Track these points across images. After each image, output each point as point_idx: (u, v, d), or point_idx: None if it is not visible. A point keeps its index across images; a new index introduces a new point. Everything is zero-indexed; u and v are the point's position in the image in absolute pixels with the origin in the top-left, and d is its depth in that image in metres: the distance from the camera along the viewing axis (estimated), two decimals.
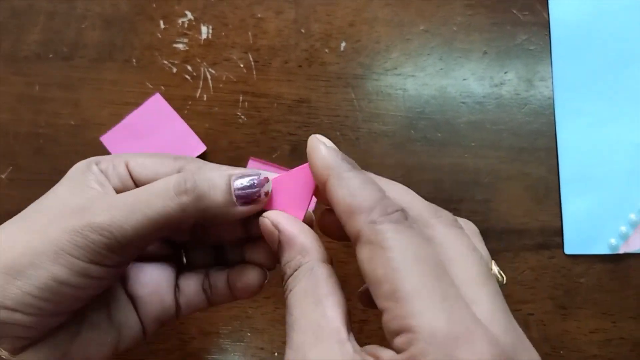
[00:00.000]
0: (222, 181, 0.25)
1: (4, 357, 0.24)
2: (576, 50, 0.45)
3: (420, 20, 0.46)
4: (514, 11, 0.46)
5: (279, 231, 0.25)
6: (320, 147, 0.24)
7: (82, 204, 0.24)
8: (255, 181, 0.26)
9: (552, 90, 0.45)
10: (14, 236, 0.24)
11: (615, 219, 0.43)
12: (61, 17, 0.45)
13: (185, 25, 0.45)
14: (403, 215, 0.22)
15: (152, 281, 0.29)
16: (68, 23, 0.45)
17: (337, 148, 0.24)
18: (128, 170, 0.27)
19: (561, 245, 0.43)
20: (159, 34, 0.45)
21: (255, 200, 0.26)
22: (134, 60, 0.45)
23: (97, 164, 0.27)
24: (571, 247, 0.42)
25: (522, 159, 0.44)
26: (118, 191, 0.27)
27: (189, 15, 0.45)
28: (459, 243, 0.23)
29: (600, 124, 0.44)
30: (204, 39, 0.45)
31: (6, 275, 0.23)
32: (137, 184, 0.27)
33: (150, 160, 0.28)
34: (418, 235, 0.21)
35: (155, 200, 0.24)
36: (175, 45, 0.45)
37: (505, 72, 0.45)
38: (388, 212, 0.22)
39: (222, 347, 0.42)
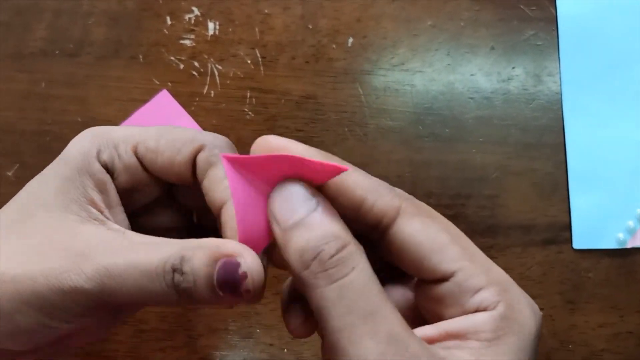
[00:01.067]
0: (205, 275, 0.21)
1: None
2: (584, 46, 0.45)
3: (427, 15, 0.46)
4: (521, 6, 0.46)
5: (318, 201, 0.21)
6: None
7: (74, 248, 0.22)
8: (234, 274, 0.21)
9: (560, 86, 0.45)
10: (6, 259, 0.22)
11: (623, 214, 0.43)
12: (67, 14, 0.45)
13: (192, 22, 0.45)
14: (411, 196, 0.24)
15: None
16: (74, 20, 0.45)
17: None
18: (137, 156, 0.24)
19: (569, 240, 0.43)
20: (165, 30, 0.45)
21: (239, 296, 0.22)
22: (141, 56, 0.44)
23: (98, 156, 0.24)
24: (579, 242, 0.43)
25: (530, 154, 0.44)
26: (126, 184, 0.24)
27: (196, 11, 0.45)
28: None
29: (608, 119, 0.44)
30: (211, 35, 0.45)
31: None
32: (148, 171, 0.25)
33: (164, 142, 0.24)
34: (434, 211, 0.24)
35: (149, 285, 0.21)
36: (182, 41, 0.45)
37: (513, 68, 0.45)
38: (404, 192, 0.23)
39: (231, 343, 0.42)
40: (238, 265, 0.21)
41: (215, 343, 0.42)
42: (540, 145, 0.44)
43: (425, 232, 0.22)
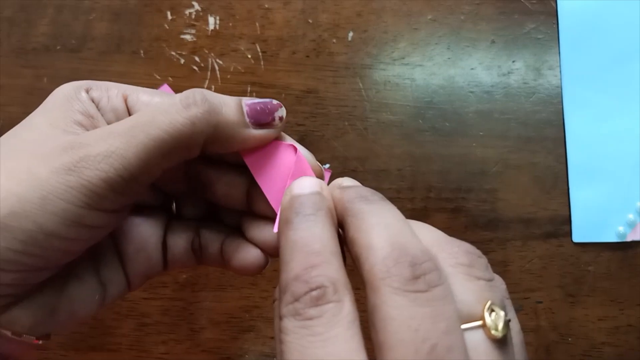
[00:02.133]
0: (233, 100, 0.23)
1: None
2: (585, 39, 0.45)
3: (427, 9, 0.46)
4: (522, 0, 0.46)
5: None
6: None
7: (75, 138, 0.20)
8: (269, 105, 0.23)
9: (560, 79, 0.45)
10: None
11: (623, 207, 0.43)
12: (69, 10, 0.45)
13: (193, 17, 0.45)
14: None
15: (140, 237, 0.26)
16: (76, 15, 0.45)
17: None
18: (126, 105, 0.23)
19: (569, 233, 0.43)
20: (166, 26, 0.45)
21: (269, 124, 0.23)
22: (142, 51, 0.45)
23: (87, 91, 0.23)
24: (579, 235, 0.43)
25: (530, 148, 0.44)
26: None
27: (196, 6, 0.45)
28: None
29: (608, 112, 0.44)
30: (212, 30, 0.45)
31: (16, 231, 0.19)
32: None
33: (157, 100, 0.24)
34: None
35: (161, 117, 0.20)
36: (182, 36, 0.45)
37: (513, 61, 0.45)
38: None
39: (232, 336, 0.42)
40: (271, 100, 0.23)
41: (217, 336, 0.42)
42: (540, 138, 0.44)
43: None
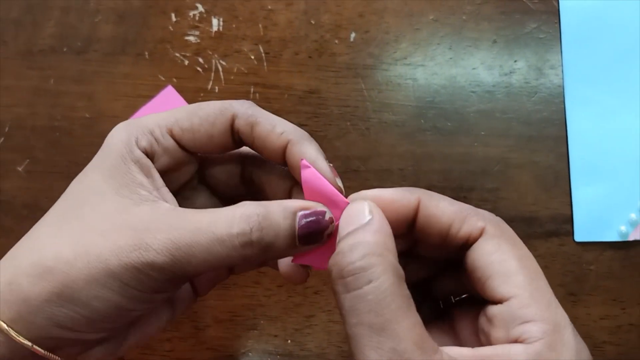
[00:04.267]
0: (286, 224, 0.23)
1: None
2: (586, 39, 0.45)
3: (429, 9, 0.46)
4: None
5: (373, 216, 0.23)
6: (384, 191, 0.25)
7: (136, 224, 0.23)
8: (322, 225, 0.24)
9: (562, 79, 0.45)
10: (69, 258, 0.22)
11: (625, 207, 0.43)
12: (75, 12, 0.46)
13: (197, 18, 0.46)
14: (499, 219, 0.25)
15: None
16: (82, 17, 0.46)
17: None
18: (174, 138, 0.25)
19: (571, 232, 0.43)
20: (170, 27, 0.46)
21: (317, 242, 0.24)
22: (147, 53, 0.45)
23: (137, 143, 0.25)
24: (581, 234, 0.43)
25: (532, 147, 0.44)
26: (167, 167, 0.25)
27: (200, 8, 0.46)
28: None
29: (610, 112, 0.44)
30: (215, 32, 0.46)
31: (71, 305, 0.22)
32: (187, 149, 0.26)
33: (198, 121, 0.25)
34: (517, 237, 0.25)
35: (218, 247, 0.22)
36: (186, 37, 0.45)
37: (515, 61, 0.45)
38: (489, 213, 0.25)
39: (236, 334, 0.42)
40: (324, 212, 0.24)
41: (220, 334, 0.42)
42: (542, 137, 0.44)
43: (498, 254, 0.23)
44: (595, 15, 0.45)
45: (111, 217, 0.23)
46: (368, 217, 0.22)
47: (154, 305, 0.24)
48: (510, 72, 0.45)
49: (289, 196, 0.28)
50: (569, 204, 0.43)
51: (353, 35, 0.46)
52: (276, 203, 0.24)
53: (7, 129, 0.44)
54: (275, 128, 0.25)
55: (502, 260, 0.23)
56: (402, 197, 0.24)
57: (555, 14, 0.46)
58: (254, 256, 0.23)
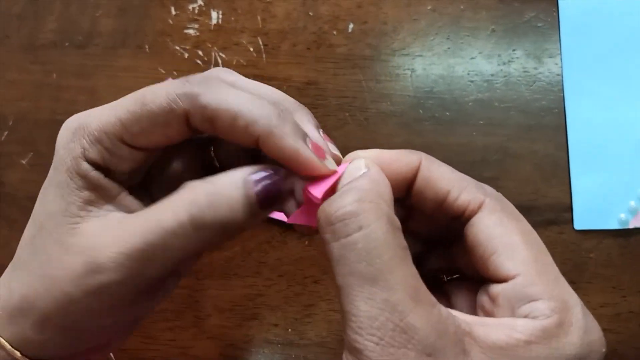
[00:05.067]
0: (240, 196, 0.21)
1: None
2: (585, 27, 0.45)
3: None
4: None
5: (369, 169, 0.22)
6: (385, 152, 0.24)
7: (87, 246, 0.22)
8: (276, 181, 0.22)
9: (561, 67, 0.45)
10: (33, 294, 0.22)
11: (625, 194, 0.43)
12: (76, 6, 0.46)
13: (196, 11, 0.46)
14: (501, 195, 0.24)
15: None
16: (83, 12, 0.46)
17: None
18: (127, 144, 0.22)
19: (570, 221, 0.43)
20: (170, 21, 0.46)
21: (280, 201, 0.22)
22: (147, 46, 0.46)
23: (85, 155, 0.22)
24: (581, 222, 0.43)
25: (531, 136, 0.44)
26: (126, 169, 0.23)
27: (199, 1, 0.46)
28: None
29: (609, 100, 0.44)
30: (214, 24, 0.46)
31: (52, 331, 0.23)
32: (141, 149, 0.23)
33: (148, 124, 0.22)
34: (518, 213, 0.24)
35: (172, 240, 0.21)
36: (186, 31, 0.46)
37: (514, 50, 0.45)
38: (492, 189, 0.24)
39: (237, 324, 0.43)
40: (275, 170, 0.22)
41: (221, 323, 0.43)
42: (541, 126, 0.44)
43: (500, 229, 0.22)
44: (594, 3, 0.45)
45: (63, 240, 0.22)
46: (364, 170, 0.22)
47: (137, 310, 0.24)
48: (509, 61, 0.45)
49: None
50: (568, 193, 0.43)
51: (351, 26, 0.46)
52: (222, 175, 0.22)
53: (10, 123, 0.45)
54: (237, 121, 0.21)
55: (505, 235, 0.22)
56: (402, 157, 0.23)
57: (553, 2, 0.45)
58: (215, 236, 0.21)
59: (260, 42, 0.46)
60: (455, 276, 0.27)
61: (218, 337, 0.43)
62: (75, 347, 0.24)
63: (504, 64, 0.45)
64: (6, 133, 0.45)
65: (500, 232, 0.22)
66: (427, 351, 0.19)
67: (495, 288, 0.22)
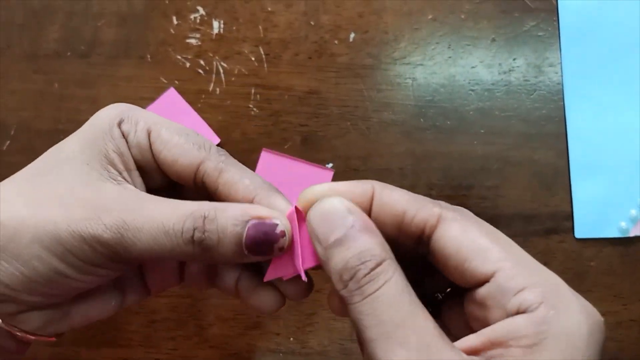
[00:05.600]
0: (234, 233, 0.23)
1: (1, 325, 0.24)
2: (585, 36, 0.45)
3: (428, 9, 0.46)
4: None
5: (354, 215, 0.22)
6: (337, 185, 0.24)
7: (95, 200, 0.23)
8: (271, 237, 0.23)
9: (561, 76, 0.45)
10: (23, 214, 0.23)
11: (625, 203, 0.43)
12: (78, 16, 0.46)
13: (197, 21, 0.46)
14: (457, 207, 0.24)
15: (161, 266, 0.29)
16: (85, 21, 0.46)
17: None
18: (149, 139, 0.25)
19: (571, 229, 0.43)
20: (172, 30, 0.46)
21: (267, 254, 0.24)
22: (149, 56, 0.46)
23: (120, 124, 0.25)
24: (581, 231, 0.43)
25: (531, 145, 0.44)
26: (135, 161, 0.26)
27: (201, 11, 0.46)
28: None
29: (609, 108, 0.44)
30: (216, 34, 0.46)
31: (13, 261, 0.22)
32: (154, 158, 0.26)
33: (174, 140, 0.25)
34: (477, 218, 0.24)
35: (164, 239, 0.23)
36: (188, 40, 0.46)
37: (514, 59, 0.45)
38: (443, 204, 0.24)
39: (239, 333, 0.43)
40: (275, 225, 0.23)
41: (224, 332, 0.43)
42: (541, 135, 0.44)
43: (464, 235, 0.22)
44: (594, 12, 0.45)
45: (75, 188, 0.23)
46: (350, 218, 0.22)
47: (94, 280, 0.24)
48: (510, 70, 0.45)
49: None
50: (569, 201, 0.44)
51: (352, 35, 0.46)
52: (232, 207, 0.24)
53: (12, 132, 0.45)
54: (244, 179, 0.25)
55: (472, 239, 0.22)
56: (355, 187, 0.24)
57: (553, 11, 0.46)
58: (197, 255, 0.23)
59: (262, 52, 0.46)
60: (448, 290, 0.27)
61: (220, 346, 0.43)
62: (14, 289, 0.23)
63: (505, 73, 0.45)
64: (8, 142, 0.45)
65: (467, 238, 0.22)
66: None
67: (480, 292, 0.22)
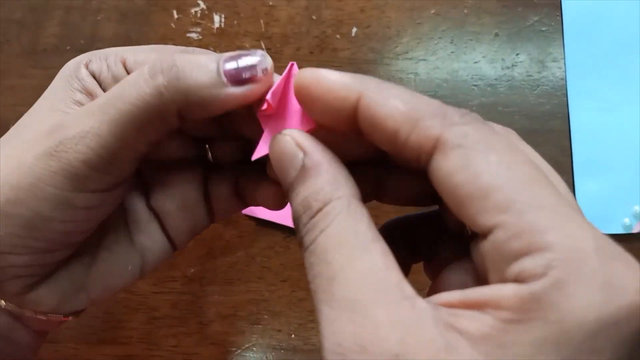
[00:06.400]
0: (208, 61, 0.20)
1: (8, 307, 0.22)
2: (589, 31, 0.45)
3: (430, 3, 0.46)
4: None
5: (305, 153, 0.19)
6: (328, 74, 0.19)
7: (58, 121, 0.20)
8: (249, 58, 0.20)
9: (565, 72, 0.45)
10: None
11: (629, 199, 0.43)
12: (77, 11, 0.46)
13: (198, 15, 0.46)
14: (478, 117, 0.18)
15: (180, 193, 0.25)
16: (84, 16, 0.46)
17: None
18: (125, 69, 0.22)
19: None
20: (172, 25, 0.46)
21: (251, 79, 0.20)
22: None
23: (87, 65, 0.22)
24: None
25: (534, 141, 0.43)
26: None
27: (202, 5, 0.46)
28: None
29: (613, 104, 0.44)
30: (217, 28, 0.46)
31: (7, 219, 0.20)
32: None
33: (154, 56, 0.22)
34: (506, 139, 0.17)
35: (129, 89, 0.20)
36: (189, 35, 0.46)
37: (517, 54, 0.45)
38: (463, 113, 0.18)
39: (240, 329, 0.43)
40: (253, 50, 0.20)
41: (225, 329, 0.43)
42: (544, 131, 0.44)
43: (465, 170, 0.16)
44: (598, 7, 0.45)
45: (38, 125, 0.21)
46: (299, 158, 0.19)
47: (79, 214, 0.21)
48: (513, 66, 0.45)
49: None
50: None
51: (354, 30, 0.46)
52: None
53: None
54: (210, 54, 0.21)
55: (474, 175, 0.16)
56: (339, 89, 0.18)
57: (557, 6, 0.45)
58: (169, 87, 0.19)
59: (264, 46, 0.45)
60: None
61: (221, 343, 0.42)
62: (2, 252, 0.20)
63: (508, 68, 0.45)
64: None
65: (466, 175, 0.16)
66: (393, 352, 0.15)
67: (482, 246, 0.17)
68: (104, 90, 0.22)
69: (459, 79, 0.45)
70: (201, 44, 0.45)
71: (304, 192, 0.18)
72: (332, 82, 0.19)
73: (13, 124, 0.45)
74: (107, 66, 0.22)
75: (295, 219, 0.19)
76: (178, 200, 0.25)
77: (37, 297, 0.22)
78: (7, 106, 0.45)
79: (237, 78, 0.20)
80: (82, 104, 0.21)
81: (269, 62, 0.20)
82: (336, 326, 0.16)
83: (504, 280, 0.16)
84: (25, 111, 0.45)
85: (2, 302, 0.21)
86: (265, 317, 0.43)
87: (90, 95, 0.22)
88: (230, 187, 0.25)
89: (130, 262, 0.24)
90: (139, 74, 0.20)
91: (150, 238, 0.25)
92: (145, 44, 0.45)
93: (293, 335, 0.42)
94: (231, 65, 0.20)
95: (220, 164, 0.26)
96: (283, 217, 0.43)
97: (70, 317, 0.24)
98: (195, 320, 0.43)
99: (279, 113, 0.21)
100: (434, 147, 0.17)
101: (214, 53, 0.21)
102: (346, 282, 0.16)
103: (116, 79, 0.22)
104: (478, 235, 0.17)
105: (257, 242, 0.43)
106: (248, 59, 0.20)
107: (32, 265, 0.21)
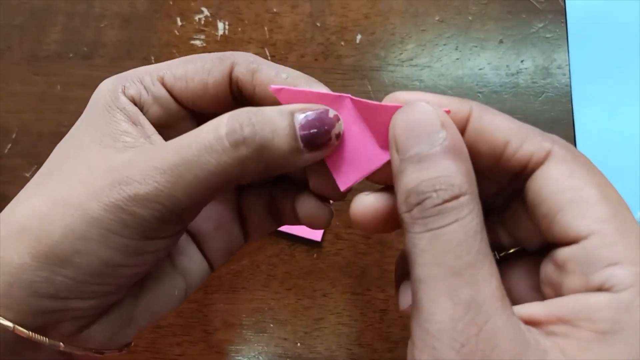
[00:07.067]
0: (284, 122, 0.20)
1: (66, 349, 0.21)
2: (593, 38, 0.45)
3: (435, 10, 0.46)
4: None
5: (448, 132, 0.18)
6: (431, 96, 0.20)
7: (117, 165, 0.20)
8: (325, 122, 0.20)
9: (569, 78, 0.45)
10: (43, 210, 0.20)
11: (633, 206, 0.43)
12: (80, 17, 0.46)
13: (202, 22, 0.46)
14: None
15: (215, 214, 0.25)
16: (87, 23, 0.46)
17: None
18: (165, 87, 0.23)
19: None
20: (176, 31, 0.46)
21: (325, 144, 0.20)
22: (153, 57, 0.45)
23: (124, 91, 0.22)
24: None
25: None
26: (159, 120, 0.23)
27: (205, 12, 0.46)
28: None
29: (618, 111, 0.44)
30: (221, 35, 0.45)
31: (48, 264, 0.19)
32: (180, 102, 0.23)
33: (192, 67, 0.22)
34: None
35: (207, 156, 0.19)
36: (192, 42, 0.45)
37: (522, 61, 0.45)
38: (555, 138, 0.20)
39: (246, 338, 0.42)
40: (326, 110, 0.20)
41: (230, 338, 0.42)
42: None
43: (571, 181, 0.18)
44: (602, 14, 0.45)
45: (91, 168, 0.20)
46: (441, 135, 0.18)
47: (148, 258, 0.21)
48: (517, 72, 0.45)
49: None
50: None
51: (359, 37, 0.46)
52: (271, 107, 0.21)
53: (14, 135, 0.44)
54: (280, 73, 0.22)
55: (577, 187, 0.18)
56: (450, 103, 0.20)
57: (561, 13, 0.45)
58: (251, 158, 0.19)
59: (268, 53, 0.45)
60: (511, 251, 0.23)
61: (227, 351, 0.42)
62: (62, 298, 0.20)
63: (513, 75, 0.45)
64: (9, 146, 0.44)
65: (571, 185, 0.18)
66: None
67: (564, 252, 0.18)
68: (146, 113, 0.22)
69: (464, 85, 0.45)
70: (205, 51, 0.45)
71: (440, 172, 0.18)
72: (439, 98, 0.20)
73: (15, 132, 0.45)
74: (145, 88, 0.22)
75: (413, 195, 0.18)
76: (214, 221, 0.25)
77: (89, 335, 0.22)
78: (9, 113, 0.45)
79: (312, 145, 0.20)
80: (129, 133, 0.21)
81: (341, 126, 0.21)
82: (460, 325, 0.16)
83: (587, 285, 0.17)
84: (27, 118, 0.45)
85: (61, 344, 0.21)
86: (271, 325, 0.42)
87: (135, 124, 0.22)
88: (264, 206, 0.26)
89: (176, 286, 0.24)
90: (216, 138, 0.19)
91: (190, 260, 0.25)
92: (148, 50, 0.45)
93: (299, 344, 0.42)
94: (307, 133, 0.20)
95: (252, 184, 0.26)
96: (300, 228, 0.42)
97: (124, 351, 0.24)
98: (200, 328, 0.42)
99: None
100: (546, 157, 0.19)
101: (285, 115, 0.21)
102: (473, 282, 0.17)
103: (157, 100, 0.22)
104: (554, 248, 0.19)
105: (262, 250, 0.43)
106: (325, 123, 0.20)
107: (93, 308, 0.21)
